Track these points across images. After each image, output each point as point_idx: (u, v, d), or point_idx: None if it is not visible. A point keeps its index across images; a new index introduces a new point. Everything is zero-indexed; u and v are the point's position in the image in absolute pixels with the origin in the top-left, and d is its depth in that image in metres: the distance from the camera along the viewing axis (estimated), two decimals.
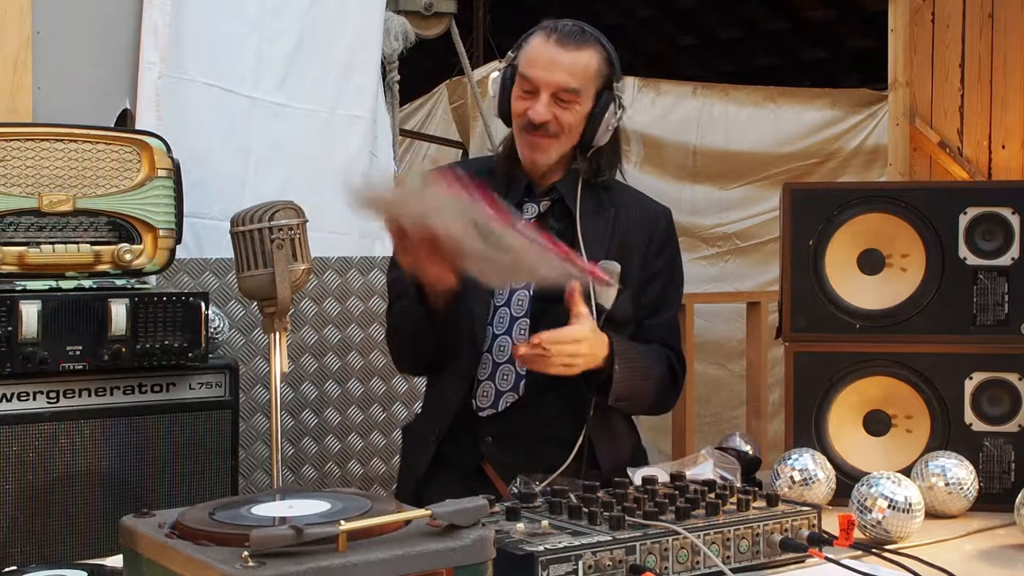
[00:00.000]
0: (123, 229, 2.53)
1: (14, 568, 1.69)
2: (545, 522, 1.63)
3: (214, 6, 3.27)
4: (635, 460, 2.31)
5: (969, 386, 2.27)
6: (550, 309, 2.21)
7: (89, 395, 2.44)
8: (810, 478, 2.10)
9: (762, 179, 6.11)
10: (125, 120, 3.12)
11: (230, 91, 3.30)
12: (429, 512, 1.33)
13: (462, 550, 1.31)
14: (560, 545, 1.52)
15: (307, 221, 2.34)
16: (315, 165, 3.47)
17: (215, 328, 2.74)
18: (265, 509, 1.42)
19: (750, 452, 2.31)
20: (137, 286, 2.55)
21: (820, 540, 1.72)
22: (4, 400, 2.34)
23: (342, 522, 1.26)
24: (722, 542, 1.66)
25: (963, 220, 2.28)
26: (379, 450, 3.45)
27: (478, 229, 1.88)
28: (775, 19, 9.78)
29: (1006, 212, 2.27)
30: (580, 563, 1.52)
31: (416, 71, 4.89)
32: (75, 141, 2.48)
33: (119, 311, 2.42)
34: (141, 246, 2.54)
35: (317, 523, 1.28)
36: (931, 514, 2.08)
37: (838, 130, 6.03)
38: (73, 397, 2.42)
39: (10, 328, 2.31)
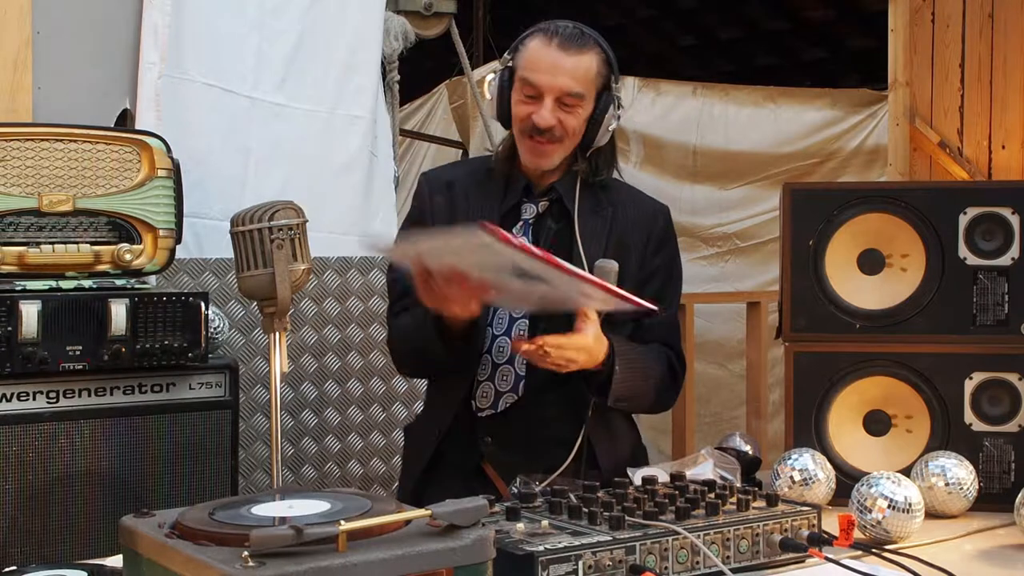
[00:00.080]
0: (123, 229, 2.53)
1: (14, 568, 1.69)
2: (545, 522, 1.63)
3: (214, 6, 3.27)
4: (635, 460, 2.31)
5: (969, 386, 2.27)
6: (547, 311, 2.21)
7: (89, 395, 2.44)
8: (810, 478, 2.10)
9: (762, 179, 6.11)
10: (125, 120, 3.13)
11: (230, 91, 3.30)
12: (429, 512, 1.33)
13: (462, 550, 1.31)
14: (560, 545, 1.52)
15: (307, 221, 2.34)
16: (315, 165, 3.47)
17: (215, 328, 2.74)
18: (265, 509, 1.42)
19: (750, 452, 2.31)
20: (137, 286, 2.55)
21: (820, 540, 1.72)
22: (4, 400, 2.34)
23: (342, 522, 1.26)
24: (722, 542, 1.66)
25: (963, 220, 2.28)
26: (379, 450, 3.45)
27: (516, 270, 1.88)
28: (775, 19, 9.78)
29: (1006, 212, 2.27)
30: (580, 563, 1.52)
31: (416, 71, 4.89)
32: (75, 141, 2.48)
33: (119, 311, 2.42)
34: (141, 246, 2.54)
35: (317, 523, 1.28)
36: (931, 514, 2.08)
37: (838, 130, 6.03)
38: (73, 397, 2.42)
39: (10, 328, 2.31)
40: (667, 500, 1.71)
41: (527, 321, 2.24)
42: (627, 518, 1.63)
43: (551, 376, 2.22)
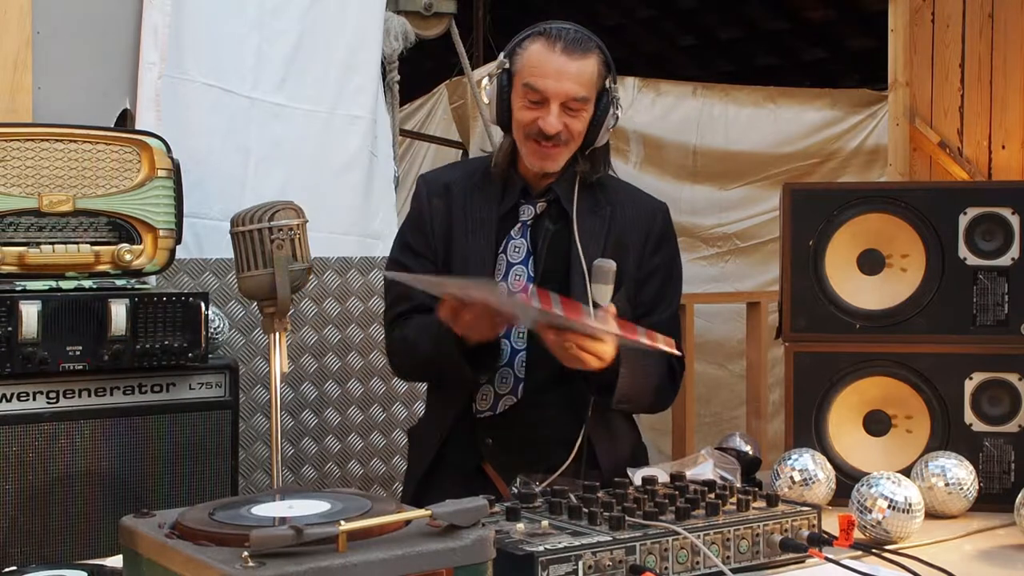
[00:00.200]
0: (123, 229, 2.53)
1: (14, 568, 1.69)
2: (545, 522, 1.63)
3: (214, 6, 3.27)
4: (635, 460, 2.31)
5: (969, 386, 2.27)
6: None
7: (89, 395, 2.44)
8: (810, 478, 2.10)
9: (762, 179, 6.11)
10: (125, 120, 3.12)
11: (230, 91, 3.30)
12: (429, 512, 1.33)
13: (462, 550, 1.31)
14: (560, 545, 1.52)
15: (307, 221, 2.34)
16: (315, 165, 3.47)
17: (215, 328, 2.74)
18: (265, 509, 1.42)
19: (750, 452, 2.31)
20: (137, 286, 2.55)
21: (820, 540, 1.72)
22: (4, 400, 2.34)
23: (342, 522, 1.26)
24: (722, 542, 1.66)
25: (963, 220, 2.28)
26: (379, 450, 3.45)
27: (539, 316, 2.00)
28: (775, 19, 9.78)
29: (1006, 212, 2.27)
30: (580, 563, 1.52)
31: (416, 71, 4.89)
32: (75, 141, 2.48)
33: (119, 311, 2.42)
34: (141, 246, 2.54)
35: (317, 523, 1.28)
36: (931, 514, 2.08)
37: (838, 130, 6.03)
38: (73, 397, 2.42)
39: (10, 328, 2.31)
40: (667, 500, 1.71)
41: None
42: (627, 518, 1.63)
43: (550, 377, 2.22)
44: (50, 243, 2.45)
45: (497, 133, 2.37)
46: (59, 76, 3.01)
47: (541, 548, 1.50)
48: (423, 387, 3.00)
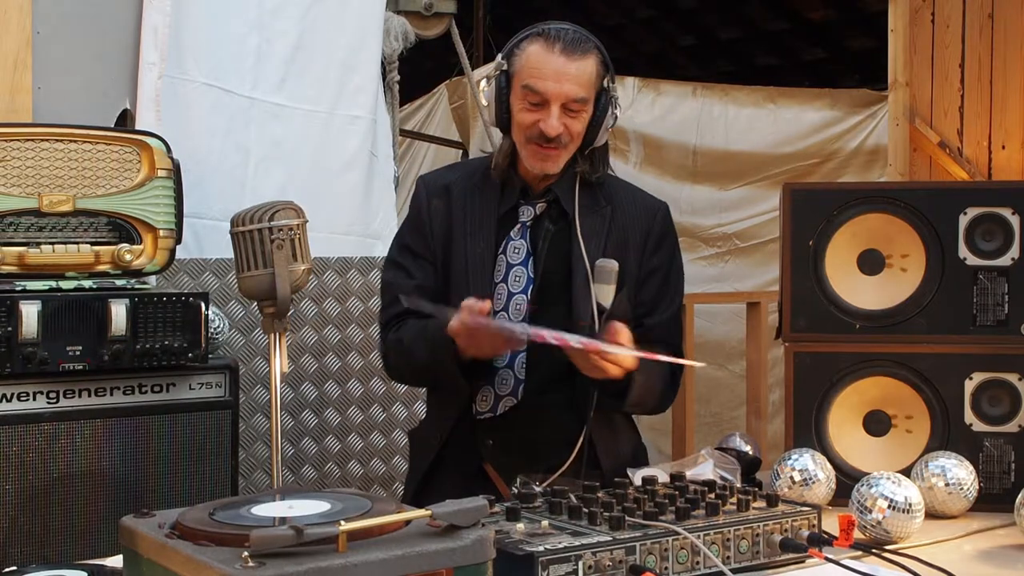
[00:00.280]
0: (123, 229, 2.53)
1: (14, 568, 1.69)
2: (545, 522, 1.63)
3: (214, 6, 3.27)
4: (636, 460, 2.31)
5: (969, 386, 2.27)
6: (548, 313, 2.21)
7: (89, 395, 2.43)
8: (810, 478, 2.10)
9: (762, 179, 6.11)
10: (125, 120, 3.12)
11: (230, 91, 3.30)
12: (429, 512, 1.33)
13: (462, 550, 1.31)
14: (560, 545, 1.52)
15: (307, 221, 2.34)
16: (315, 165, 3.47)
17: (215, 328, 2.74)
18: (265, 509, 1.42)
19: (750, 452, 2.31)
20: (137, 286, 2.55)
21: (820, 540, 1.72)
22: (4, 400, 2.34)
23: (342, 522, 1.26)
24: (722, 542, 1.66)
25: (963, 220, 2.28)
26: (379, 450, 3.45)
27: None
28: (775, 19, 9.77)
29: (1006, 212, 2.27)
30: (580, 563, 1.52)
31: (416, 71, 4.89)
32: (75, 141, 2.48)
33: (119, 311, 2.42)
34: (141, 246, 2.54)
35: (317, 523, 1.28)
36: (931, 514, 2.08)
37: (838, 130, 6.03)
38: (73, 397, 2.42)
39: (10, 328, 2.31)
40: (667, 500, 1.71)
41: (526, 324, 2.24)
42: (627, 518, 1.63)
43: (550, 379, 2.23)
44: (50, 243, 2.45)
45: (497, 133, 2.37)
46: (59, 76, 3.01)
47: (541, 548, 1.50)
48: (423, 388, 3.00)
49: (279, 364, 2.29)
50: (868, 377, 2.29)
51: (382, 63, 3.73)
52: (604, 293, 2.18)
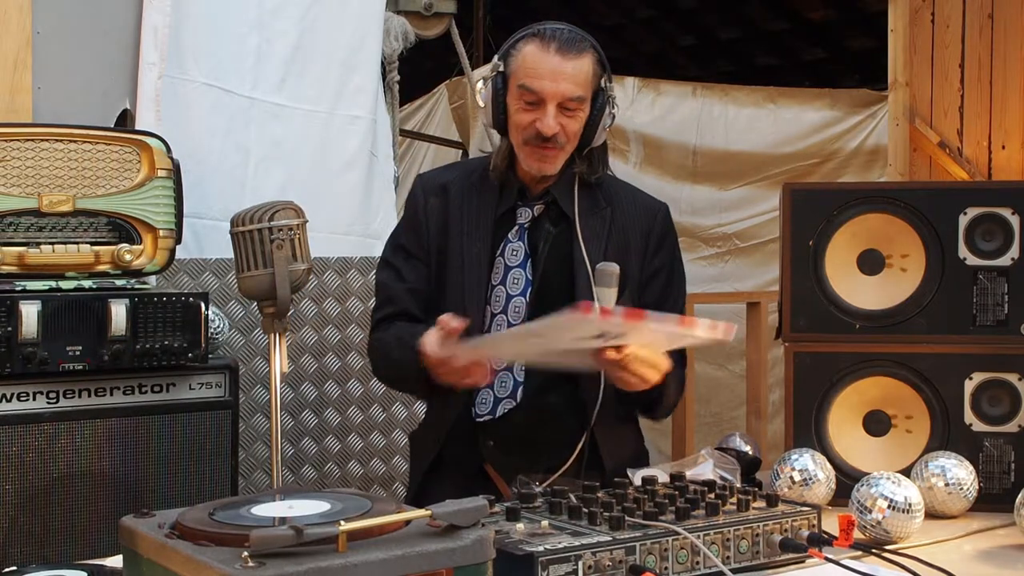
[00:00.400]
0: (123, 229, 2.53)
1: (14, 568, 1.69)
2: (545, 522, 1.63)
3: (214, 6, 3.27)
4: (638, 461, 2.31)
5: (969, 386, 2.27)
6: (547, 314, 2.21)
7: (89, 395, 2.43)
8: (810, 478, 2.10)
9: (762, 179, 6.11)
10: (125, 120, 3.12)
11: (230, 91, 3.30)
12: (429, 512, 1.33)
13: (462, 550, 1.31)
14: (560, 545, 1.52)
15: (307, 221, 2.34)
16: (315, 165, 3.47)
17: (215, 328, 2.74)
18: (265, 509, 1.42)
19: (750, 452, 2.31)
20: (137, 286, 2.55)
21: (820, 540, 1.72)
22: (4, 400, 2.34)
23: (342, 522, 1.26)
24: (722, 542, 1.66)
25: (963, 220, 2.28)
26: (379, 450, 3.45)
27: (598, 335, 1.93)
28: (775, 19, 9.77)
29: (1006, 212, 2.27)
30: (580, 563, 1.52)
31: (416, 71, 4.89)
32: (75, 141, 2.48)
33: (119, 311, 2.42)
34: (141, 246, 2.54)
35: (317, 523, 1.28)
36: (931, 514, 2.08)
37: (838, 130, 6.03)
38: (73, 397, 2.42)
39: (10, 328, 2.31)
40: (667, 500, 1.71)
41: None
42: (627, 518, 1.63)
43: (550, 380, 2.22)
44: (50, 243, 2.45)
45: (497, 134, 2.36)
46: (59, 76, 3.01)
47: (541, 548, 1.50)
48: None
49: (279, 364, 2.29)
50: (868, 377, 2.29)
51: (382, 63, 3.73)
52: (606, 297, 2.17)
